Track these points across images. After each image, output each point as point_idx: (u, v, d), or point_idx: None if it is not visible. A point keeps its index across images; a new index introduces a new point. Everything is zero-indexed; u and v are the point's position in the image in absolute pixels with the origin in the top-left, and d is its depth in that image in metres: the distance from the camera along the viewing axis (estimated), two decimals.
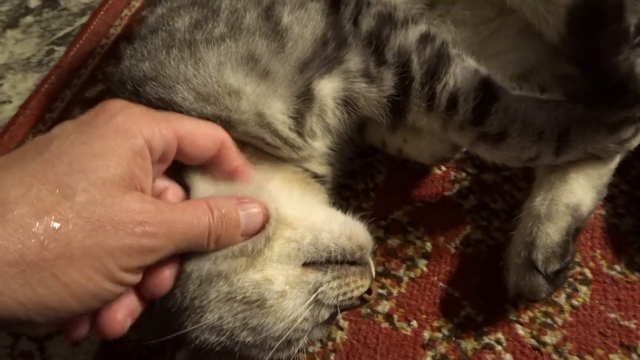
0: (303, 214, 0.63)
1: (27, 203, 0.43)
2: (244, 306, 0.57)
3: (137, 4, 1.34)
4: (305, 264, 0.60)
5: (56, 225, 0.43)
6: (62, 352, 0.83)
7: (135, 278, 0.50)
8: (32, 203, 0.43)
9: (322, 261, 0.61)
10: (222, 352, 0.58)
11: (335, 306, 0.61)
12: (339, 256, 0.62)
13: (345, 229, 0.64)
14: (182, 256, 0.56)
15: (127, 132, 0.50)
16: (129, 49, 0.69)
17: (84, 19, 1.36)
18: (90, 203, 0.45)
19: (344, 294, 0.62)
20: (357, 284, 0.63)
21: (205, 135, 0.58)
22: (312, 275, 0.60)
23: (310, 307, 0.59)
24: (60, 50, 1.31)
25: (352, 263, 0.64)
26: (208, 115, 0.61)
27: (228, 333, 0.57)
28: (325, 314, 0.61)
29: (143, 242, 0.47)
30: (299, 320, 0.58)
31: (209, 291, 0.56)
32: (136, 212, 0.47)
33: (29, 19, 1.43)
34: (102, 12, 1.33)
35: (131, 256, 0.47)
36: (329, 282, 0.60)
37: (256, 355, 0.59)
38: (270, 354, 0.60)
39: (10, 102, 1.24)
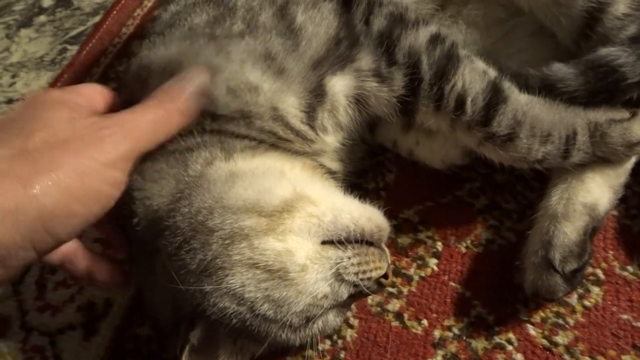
0: (324, 196, 0.65)
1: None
2: (266, 275, 0.57)
3: (150, 4, 1.35)
4: (324, 242, 0.62)
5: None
6: (74, 347, 0.83)
7: (121, 168, 0.53)
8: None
9: (340, 240, 0.62)
10: (238, 327, 0.59)
11: (355, 285, 0.62)
12: (358, 235, 0.63)
13: (365, 212, 0.66)
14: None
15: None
16: (147, 42, 0.71)
17: (97, 19, 1.38)
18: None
19: (364, 272, 0.63)
20: (376, 265, 0.64)
21: None
22: (333, 252, 0.61)
23: (331, 282, 0.60)
24: (73, 49, 1.32)
25: (370, 244, 0.65)
26: (232, 109, 0.64)
27: (249, 304, 0.57)
28: (344, 291, 0.62)
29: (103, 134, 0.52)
30: (320, 295, 0.59)
31: (231, 252, 0.57)
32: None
33: (42, 18, 1.44)
34: (114, 12, 1.35)
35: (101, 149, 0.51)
36: (349, 257, 0.62)
37: (273, 332, 0.59)
38: (287, 333, 0.60)
39: (23, 100, 1.26)
